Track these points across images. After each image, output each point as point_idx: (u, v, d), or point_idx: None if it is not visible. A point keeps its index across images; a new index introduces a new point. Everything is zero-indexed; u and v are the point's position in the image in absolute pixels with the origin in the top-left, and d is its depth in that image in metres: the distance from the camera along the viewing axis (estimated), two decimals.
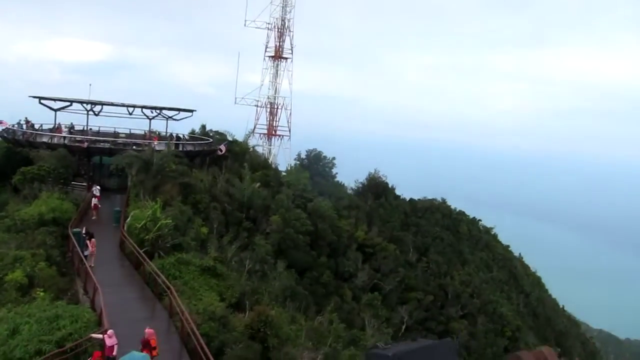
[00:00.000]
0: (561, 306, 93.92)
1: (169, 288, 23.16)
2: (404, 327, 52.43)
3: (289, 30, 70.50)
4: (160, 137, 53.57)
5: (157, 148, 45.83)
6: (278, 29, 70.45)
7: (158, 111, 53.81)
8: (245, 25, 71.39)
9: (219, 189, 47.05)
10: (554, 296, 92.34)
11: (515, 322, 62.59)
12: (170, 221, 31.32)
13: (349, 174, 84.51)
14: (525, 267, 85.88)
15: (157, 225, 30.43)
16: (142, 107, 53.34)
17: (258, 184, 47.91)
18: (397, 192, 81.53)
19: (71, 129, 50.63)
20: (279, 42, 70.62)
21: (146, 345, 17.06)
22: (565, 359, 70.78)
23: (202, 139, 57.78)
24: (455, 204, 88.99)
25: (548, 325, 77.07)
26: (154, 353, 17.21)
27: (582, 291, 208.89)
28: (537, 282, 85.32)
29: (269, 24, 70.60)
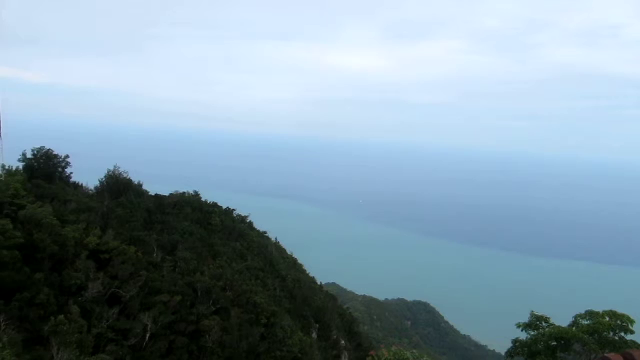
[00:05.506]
0: (319, 283, 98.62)
1: None
2: (148, 335, 48.06)
3: None
4: None
5: None
6: None
7: None
8: None
9: None
10: (312, 275, 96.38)
11: (270, 309, 62.50)
12: None
13: (99, 173, 76.10)
14: (282, 251, 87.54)
15: None
16: None
17: None
18: (157, 187, 75.83)
19: None
20: None
21: None
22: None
23: None
24: (215, 195, 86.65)
25: (306, 305, 79.54)
26: None
27: (347, 264, 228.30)
28: (293, 264, 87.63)
29: None
